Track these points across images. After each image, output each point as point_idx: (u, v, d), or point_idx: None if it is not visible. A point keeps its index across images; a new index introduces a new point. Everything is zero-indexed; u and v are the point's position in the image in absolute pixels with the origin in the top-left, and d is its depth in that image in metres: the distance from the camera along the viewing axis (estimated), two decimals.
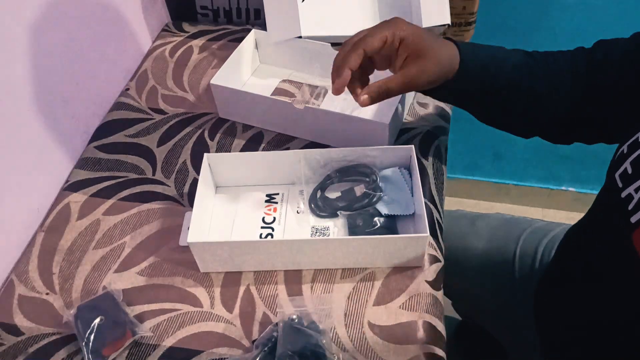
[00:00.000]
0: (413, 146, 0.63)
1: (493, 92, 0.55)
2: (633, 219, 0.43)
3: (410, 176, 0.63)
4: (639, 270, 0.41)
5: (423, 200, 0.58)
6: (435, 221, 0.63)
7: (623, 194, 0.45)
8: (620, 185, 0.46)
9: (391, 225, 0.61)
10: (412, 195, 0.62)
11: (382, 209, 0.61)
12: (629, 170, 0.45)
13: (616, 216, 0.46)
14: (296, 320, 0.51)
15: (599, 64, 0.54)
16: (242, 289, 0.58)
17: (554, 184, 1.57)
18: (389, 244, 0.55)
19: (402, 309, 0.55)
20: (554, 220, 0.77)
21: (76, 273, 0.60)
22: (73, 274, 0.60)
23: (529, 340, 0.68)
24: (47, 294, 0.58)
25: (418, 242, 0.55)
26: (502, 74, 0.55)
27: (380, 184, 0.63)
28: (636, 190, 0.44)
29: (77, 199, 0.67)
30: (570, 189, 1.57)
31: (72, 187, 0.69)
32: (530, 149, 1.45)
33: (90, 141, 0.75)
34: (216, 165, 0.64)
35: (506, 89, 0.55)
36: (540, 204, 1.61)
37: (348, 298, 0.56)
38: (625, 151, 0.47)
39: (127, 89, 0.82)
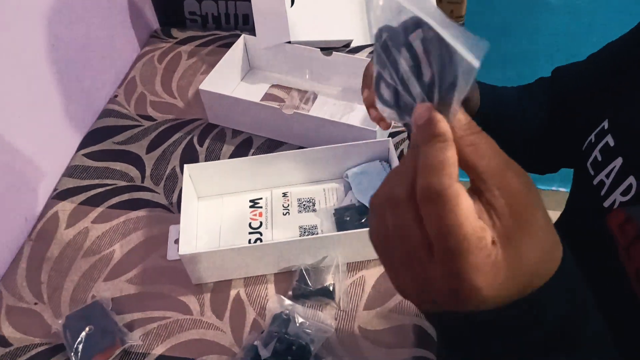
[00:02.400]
0: (390, 139, 0.64)
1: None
2: (606, 203, 0.45)
3: (391, 167, 0.65)
4: (616, 252, 0.42)
5: None
6: None
7: (595, 181, 0.47)
8: (592, 173, 0.48)
9: None
10: None
11: (367, 201, 0.62)
12: (599, 158, 0.47)
13: (591, 202, 0.48)
14: (287, 316, 0.52)
15: (559, 92, 0.57)
16: (232, 295, 0.57)
17: (545, 185, 1.59)
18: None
19: (393, 312, 0.55)
20: None
21: (65, 282, 0.60)
22: (62, 284, 0.60)
23: None
24: (35, 304, 0.58)
25: None
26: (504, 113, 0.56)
27: (362, 178, 0.64)
28: (607, 176, 0.45)
29: (65, 207, 0.67)
30: (561, 189, 1.59)
31: (60, 195, 0.68)
32: None
33: (79, 149, 0.74)
34: (197, 175, 0.64)
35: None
36: None
37: (339, 302, 0.56)
38: (593, 140, 0.49)
39: (116, 96, 0.82)
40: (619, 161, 0.45)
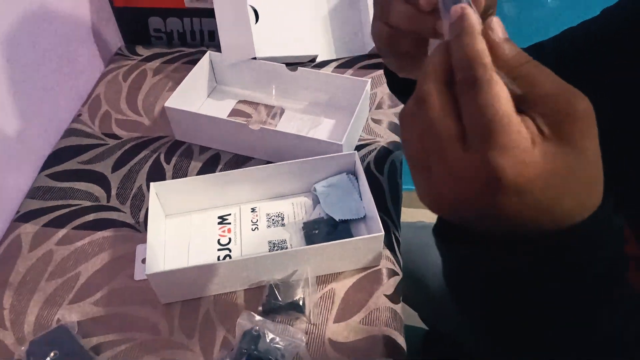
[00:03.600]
0: (356, 152, 0.65)
1: None
2: None
3: (358, 181, 0.65)
4: None
5: (373, 202, 0.59)
6: (392, 235, 0.64)
7: None
8: None
9: (346, 230, 0.62)
10: (361, 199, 0.64)
11: (335, 214, 0.62)
12: None
13: None
14: (257, 332, 0.52)
15: None
16: (201, 313, 0.57)
17: None
18: (346, 247, 0.56)
19: (362, 324, 0.55)
20: None
21: (28, 307, 0.58)
22: (25, 308, 0.58)
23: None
24: None
25: (374, 242, 0.57)
26: None
27: (330, 191, 0.64)
28: None
29: (28, 229, 0.65)
30: None
31: (23, 217, 0.67)
32: None
33: (42, 169, 0.73)
34: (164, 193, 0.63)
35: None
36: None
37: (309, 316, 0.56)
38: None
39: (80, 115, 0.81)
40: None
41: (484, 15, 0.31)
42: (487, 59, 0.27)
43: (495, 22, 0.28)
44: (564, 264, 0.29)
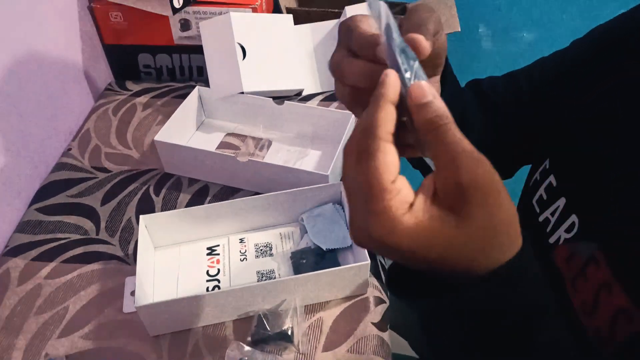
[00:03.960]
0: (342, 182, 0.66)
1: None
2: (551, 240, 0.48)
3: (344, 210, 0.67)
4: (564, 285, 0.45)
5: None
6: (379, 262, 0.65)
7: (540, 218, 0.50)
8: (537, 210, 0.51)
9: (333, 259, 0.64)
10: (348, 228, 0.65)
11: (322, 244, 0.64)
12: (544, 197, 0.50)
13: (536, 238, 0.50)
14: None
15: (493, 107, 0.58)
16: (190, 344, 0.57)
17: None
18: (334, 276, 0.57)
19: (350, 352, 0.56)
20: None
21: (16, 342, 0.58)
22: (13, 344, 0.58)
23: None
24: None
25: (361, 271, 0.58)
26: None
27: (317, 221, 0.66)
28: (552, 214, 0.49)
29: (16, 264, 0.66)
30: None
31: (11, 252, 0.67)
32: None
33: (31, 203, 0.74)
34: (153, 225, 0.64)
35: None
36: None
37: (298, 345, 0.57)
38: (538, 178, 0.52)
39: (69, 149, 0.82)
40: (562, 200, 0.48)
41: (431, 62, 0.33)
42: (381, 129, 0.28)
43: (414, 87, 0.29)
44: (480, 310, 0.31)
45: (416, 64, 0.30)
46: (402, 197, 0.28)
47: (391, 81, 0.29)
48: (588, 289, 0.42)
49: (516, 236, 0.30)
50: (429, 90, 0.29)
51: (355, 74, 0.34)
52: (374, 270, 0.63)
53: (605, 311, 0.40)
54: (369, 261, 0.57)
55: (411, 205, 0.28)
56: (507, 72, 0.60)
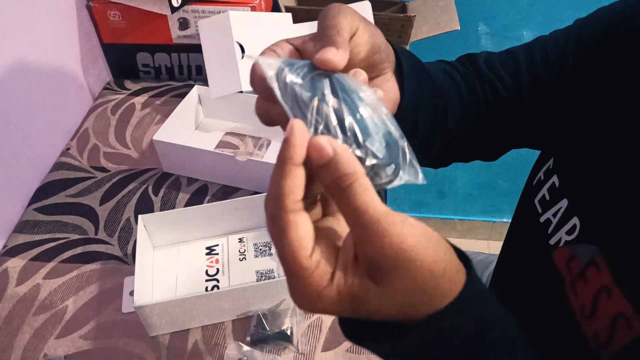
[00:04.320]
0: None
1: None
2: (552, 241, 0.47)
3: None
4: (562, 286, 0.45)
5: None
6: None
7: (542, 219, 0.49)
8: (539, 210, 0.50)
9: None
10: None
11: None
12: (547, 197, 0.49)
13: (536, 238, 0.50)
14: None
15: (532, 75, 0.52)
16: (190, 344, 0.57)
17: (496, 217, 1.65)
18: None
19: (350, 352, 0.56)
20: (497, 252, 0.81)
21: (15, 342, 0.58)
22: (11, 344, 0.58)
23: None
24: None
25: None
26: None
27: None
28: (554, 215, 0.48)
29: (15, 264, 0.65)
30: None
31: (10, 252, 0.67)
32: (471, 185, 1.53)
33: (30, 203, 0.73)
34: (152, 225, 0.64)
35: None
36: (484, 236, 1.68)
37: (297, 345, 0.57)
38: (542, 178, 0.51)
39: (68, 149, 0.82)
40: (564, 202, 0.47)
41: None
42: (288, 200, 0.26)
43: (312, 147, 0.26)
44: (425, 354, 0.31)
45: (328, 107, 0.27)
46: (321, 271, 0.27)
47: (296, 141, 0.26)
48: (587, 292, 0.42)
49: (447, 289, 0.28)
50: (328, 147, 0.26)
51: (275, 119, 0.33)
52: None
53: (604, 315, 0.39)
54: None
55: (332, 275, 0.27)
56: (504, 50, 0.55)
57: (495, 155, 0.59)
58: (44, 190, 0.75)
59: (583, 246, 0.43)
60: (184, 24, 0.89)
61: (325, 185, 0.27)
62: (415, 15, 0.91)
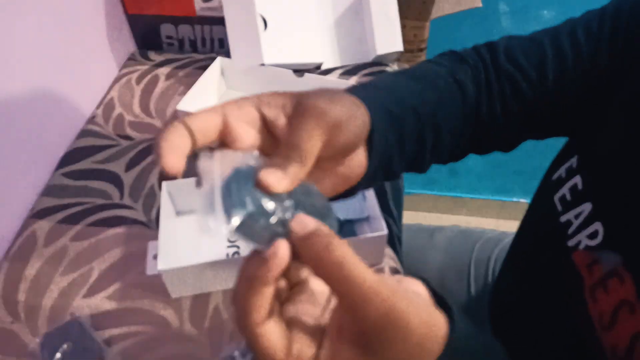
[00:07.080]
0: None
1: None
2: (571, 242, 0.45)
3: None
4: (581, 288, 0.44)
5: (376, 203, 0.61)
6: (394, 235, 0.66)
7: (562, 219, 0.47)
8: (559, 209, 0.48)
9: (350, 230, 0.65)
10: (365, 200, 0.66)
11: (340, 214, 0.65)
12: (568, 197, 0.47)
13: (555, 236, 0.48)
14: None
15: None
16: (211, 307, 0.59)
17: (507, 196, 1.64)
18: (351, 245, 0.57)
19: None
20: (507, 230, 0.81)
21: (43, 300, 0.60)
22: (40, 302, 0.60)
23: (488, 349, 0.71)
24: (12, 322, 0.58)
25: (378, 241, 0.59)
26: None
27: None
28: (575, 217, 0.45)
29: (43, 226, 0.68)
30: (522, 200, 1.65)
31: (38, 214, 0.69)
32: (483, 164, 1.52)
33: (57, 168, 0.75)
34: (176, 191, 0.65)
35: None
36: (494, 215, 1.68)
37: None
38: (563, 175, 0.48)
39: (94, 117, 0.83)
40: (587, 206, 0.44)
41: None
42: (256, 315, 0.27)
43: (295, 224, 0.27)
44: None
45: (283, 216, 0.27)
46: (306, 359, 0.28)
47: (277, 264, 0.27)
48: (608, 302, 0.40)
49: (433, 349, 0.28)
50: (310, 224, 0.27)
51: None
52: (390, 241, 0.64)
53: (624, 330, 0.38)
54: (386, 231, 0.58)
55: (317, 356, 0.28)
56: (528, 36, 0.50)
57: (511, 147, 0.53)
58: (71, 156, 0.77)
59: (605, 253, 0.41)
60: None
61: (306, 261, 0.27)
62: None
